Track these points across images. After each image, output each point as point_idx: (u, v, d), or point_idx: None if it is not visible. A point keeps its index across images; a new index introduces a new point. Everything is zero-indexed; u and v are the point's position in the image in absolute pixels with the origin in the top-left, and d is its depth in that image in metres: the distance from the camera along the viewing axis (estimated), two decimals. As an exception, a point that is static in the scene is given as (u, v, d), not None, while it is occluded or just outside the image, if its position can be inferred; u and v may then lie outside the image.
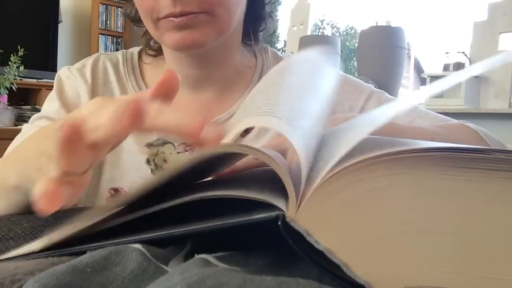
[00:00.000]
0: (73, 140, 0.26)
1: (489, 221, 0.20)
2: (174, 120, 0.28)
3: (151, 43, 0.67)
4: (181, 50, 0.57)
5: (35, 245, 0.27)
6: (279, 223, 0.20)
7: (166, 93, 0.31)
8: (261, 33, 0.70)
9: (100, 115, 0.28)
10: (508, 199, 0.20)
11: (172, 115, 0.28)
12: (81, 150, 0.27)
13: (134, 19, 0.65)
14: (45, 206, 0.26)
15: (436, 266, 0.20)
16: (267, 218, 0.20)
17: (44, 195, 0.26)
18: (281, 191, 0.21)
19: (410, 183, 0.20)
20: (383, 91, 0.70)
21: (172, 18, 0.52)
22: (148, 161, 0.60)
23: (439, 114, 0.66)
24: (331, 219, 0.20)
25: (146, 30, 0.64)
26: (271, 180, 0.23)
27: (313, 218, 0.20)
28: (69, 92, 0.63)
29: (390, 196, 0.20)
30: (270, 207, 0.21)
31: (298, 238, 0.20)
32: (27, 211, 0.43)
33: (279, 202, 0.21)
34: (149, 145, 0.61)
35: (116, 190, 0.59)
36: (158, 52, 0.67)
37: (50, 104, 0.63)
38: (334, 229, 0.20)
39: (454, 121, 0.63)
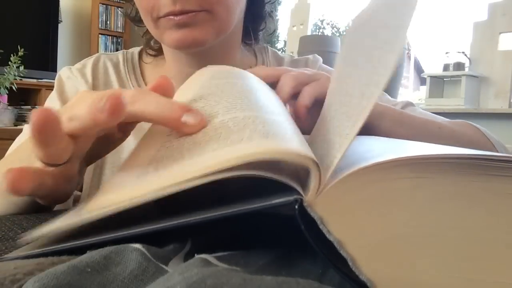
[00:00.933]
0: (46, 129, 0.27)
1: (499, 227, 0.20)
2: (153, 107, 0.28)
3: (151, 43, 0.67)
4: (181, 48, 0.57)
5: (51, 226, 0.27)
6: (296, 206, 0.20)
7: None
8: (261, 32, 0.70)
9: (78, 106, 0.29)
10: None
11: (150, 101, 0.28)
12: (57, 140, 0.28)
13: (135, 19, 0.65)
14: (9, 185, 0.27)
15: (443, 271, 0.20)
16: (285, 202, 0.20)
17: (7, 175, 0.27)
18: (297, 178, 0.21)
19: (433, 187, 0.20)
20: (384, 92, 0.70)
21: (172, 17, 0.52)
22: None
23: (438, 116, 0.66)
24: (348, 213, 0.20)
25: (147, 30, 0.64)
26: (287, 167, 0.23)
27: (330, 208, 0.20)
28: (69, 92, 0.63)
29: (411, 199, 0.20)
30: (286, 192, 0.21)
31: (309, 227, 0.20)
32: (27, 211, 0.43)
33: (296, 186, 0.21)
34: None
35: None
36: (158, 52, 0.67)
37: (51, 104, 0.63)
38: (349, 223, 0.20)
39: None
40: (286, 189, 0.21)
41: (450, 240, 0.20)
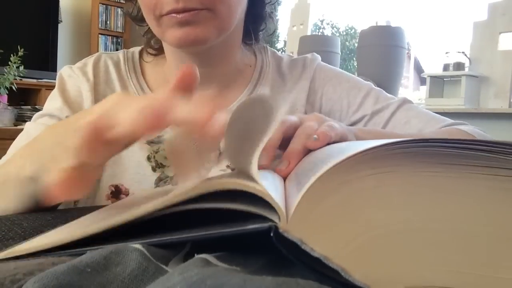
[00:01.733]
0: (97, 137, 0.28)
1: (482, 218, 0.20)
2: (183, 113, 0.28)
3: (152, 42, 0.67)
4: (183, 47, 0.57)
5: (39, 241, 0.27)
6: (271, 234, 0.20)
7: (185, 87, 0.31)
8: (261, 32, 0.70)
9: (120, 112, 0.28)
10: (498, 196, 0.20)
11: (182, 108, 0.28)
12: (101, 146, 0.29)
13: (136, 18, 0.66)
14: (56, 194, 0.27)
15: (435, 265, 0.20)
16: (260, 229, 0.20)
17: (56, 183, 0.27)
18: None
19: (398, 181, 0.20)
20: (381, 89, 0.70)
21: (175, 15, 0.52)
22: (148, 158, 0.61)
23: (436, 114, 0.66)
24: (323, 225, 0.20)
25: (147, 29, 0.64)
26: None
27: (305, 225, 0.20)
28: (71, 90, 0.64)
29: (379, 196, 0.20)
30: (263, 217, 0.21)
31: (294, 247, 0.20)
32: (37, 206, 0.43)
33: (272, 214, 0.21)
34: (150, 142, 0.62)
35: (116, 187, 0.59)
36: (159, 51, 0.67)
37: (53, 102, 0.63)
38: (328, 234, 0.20)
39: (451, 121, 0.64)
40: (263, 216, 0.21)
41: (433, 232, 0.20)
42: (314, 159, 0.29)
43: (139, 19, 0.65)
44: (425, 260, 0.20)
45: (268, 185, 0.23)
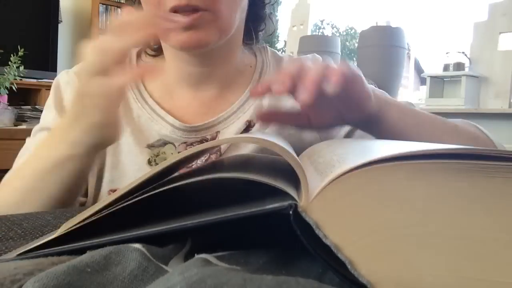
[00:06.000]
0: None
1: (498, 226, 0.20)
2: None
3: (151, 43, 0.67)
4: (185, 50, 0.57)
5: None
6: (290, 212, 0.20)
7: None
8: (261, 32, 0.70)
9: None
10: None
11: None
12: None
13: None
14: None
15: (442, 270, 0.20)
16: (279, 208, 0.20)
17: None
18: (294, 182, 0.21)
19: (426, 187, 0.20)
20: (383, 91, 0.70)
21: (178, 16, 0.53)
22: (149, 162, 0.61)
23: (437, 116, 0.66)
24: (343, 216, 0.20)
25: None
26: (283, 171, 0.23)
27: (325, 212, 0.20)
28: (69, 98, 0.63)
29: (404, 199, 0.20)
30: (281, 196, 0.21)
31: (306, 231, 0.20)
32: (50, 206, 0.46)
33: (291, 192, 0.21)
34: (150, 146, 0.62)
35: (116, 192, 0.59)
36: (157, 51, 0.67)
37: (47, 113, 0.63)
38: (344, 225, 0.20)
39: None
40: (282, 194, 0.21)
41: (448, 239, 0.20)
42: (333, 154, 0.29)
43: None
44: (432, 265, 0.20)
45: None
